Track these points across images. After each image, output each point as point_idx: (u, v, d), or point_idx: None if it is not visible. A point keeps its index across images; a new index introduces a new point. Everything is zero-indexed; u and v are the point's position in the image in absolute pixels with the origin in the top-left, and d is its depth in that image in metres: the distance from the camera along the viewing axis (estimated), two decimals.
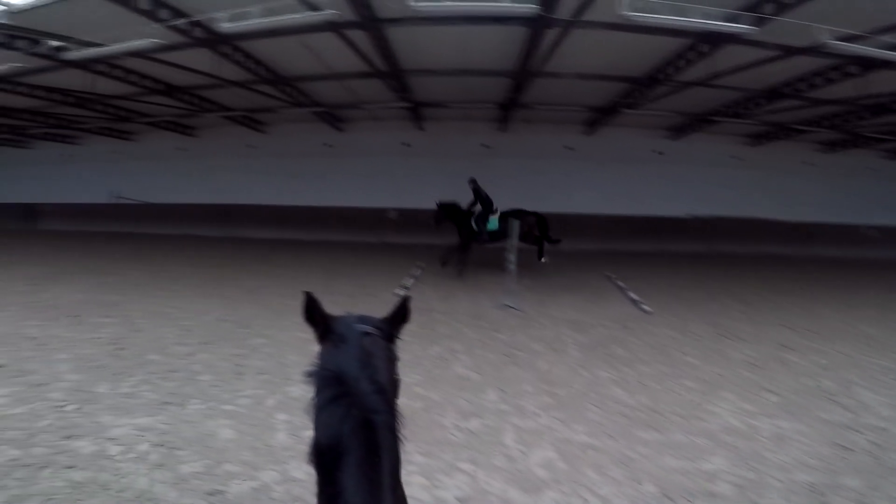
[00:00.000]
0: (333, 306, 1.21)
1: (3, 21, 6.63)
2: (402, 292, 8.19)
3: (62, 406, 3.93)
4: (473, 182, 9.55)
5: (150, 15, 6.74)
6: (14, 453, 3.14)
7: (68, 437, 3.38)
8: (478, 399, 4.31)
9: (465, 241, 9.57)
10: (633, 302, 8.04)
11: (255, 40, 7.99)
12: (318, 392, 0.96)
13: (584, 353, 5.60)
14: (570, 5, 7.03)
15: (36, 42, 7.39)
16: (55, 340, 5.59)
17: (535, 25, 7.60)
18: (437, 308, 7.45)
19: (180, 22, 6.91)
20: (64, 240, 14.32)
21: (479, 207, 9.48)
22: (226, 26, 6.39)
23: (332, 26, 7.37)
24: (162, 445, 3.34)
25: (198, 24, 7.09)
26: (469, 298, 8.15)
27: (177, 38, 7.53)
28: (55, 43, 7.43)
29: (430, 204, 9.75)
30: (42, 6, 6.53)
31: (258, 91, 10.41)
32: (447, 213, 9.66)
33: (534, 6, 6.81)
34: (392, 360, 1.13)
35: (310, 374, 1.00)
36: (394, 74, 9.69)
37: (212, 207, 15.23)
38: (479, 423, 3.84)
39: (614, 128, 13.24)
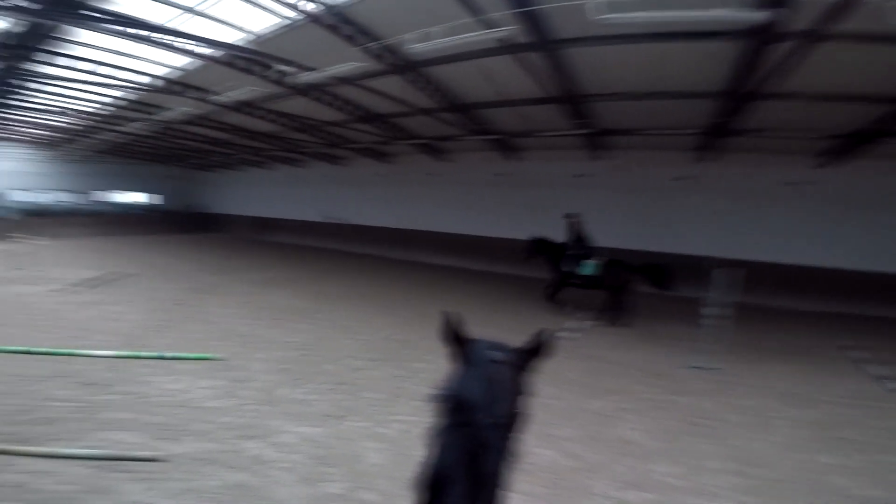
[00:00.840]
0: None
1: (249, 47, 8.10)
2: (567, 334, 7.45)
3: (245, 405, 4.41)
4: (571, 217, 8.70)
5: (352, 40, 7.59)
6: (191, 447, 3.55)
7: (240, 437, 3.71)
8: (643, 468, 3.60)
9: (556, 280, 8.76)
10: (876, 378, 6.03)
11: (438, 66, 8.42)
12: (438, 416, 1.01)
13: (800, 431, 4.35)
14: (814, 11, 5.52)
15: (268, 67, 9.01)
16: (258, 340, 6.58)
17: (761, 39, 6.22)
18: (606, 357, 6.51)
19: (374, 45, 7.61)
20: (285, 251, 17.70)
21: (574, 247, 8.56)
22: (415, 48, 6.82)
23: (509, 48, 7.31)
24: (314, 459, 3.41)
25: (389, 49, 7.78)
26: (648, 351, 6.93)
27: (373, 64, 8.29)
28: (283, 67, 8.70)
29: (610, 240, 8.76)
30: (278, 34, 7.76)
31: (439, 118, 11.07)
32: (538, 248, 9.03)
33: (762, 14, 5.48)
34: (518, 392, 1.08)
35: (434, 396, 1.04)
36: (572, 99, 9.16)
37: (398, 232, 16.88)
38: (638, 497, 3.19)
39: (865, 160, 10.09)
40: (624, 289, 7.99)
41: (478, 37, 6.47)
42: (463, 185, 15.26)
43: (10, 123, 15.68)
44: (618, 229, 9.75)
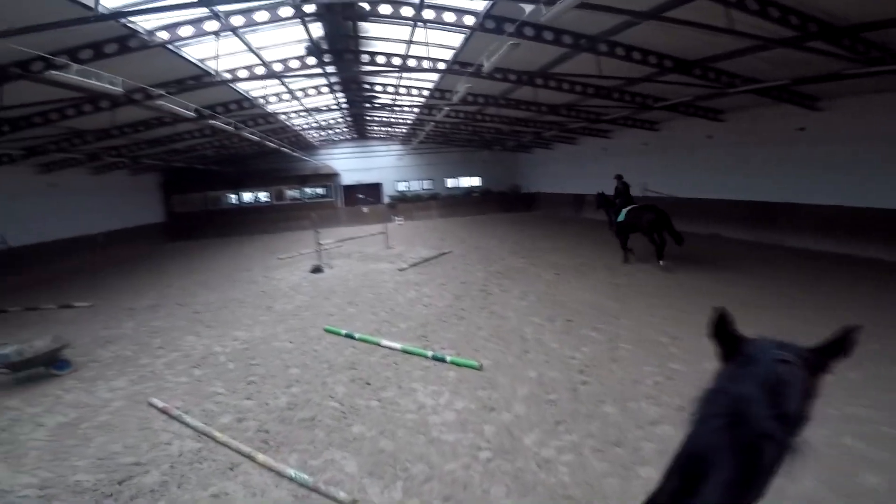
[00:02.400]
0: None
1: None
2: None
3: (480, 450, 3.51)
4: (618, 177, 11.08)
5: None
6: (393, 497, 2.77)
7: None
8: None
9: (611, 227, 11.09)
10: None
11: None
12: (703, 406, 0.97)
13: None
14: None
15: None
16: (537, 350, 5.74)
17: None
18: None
19: None
20: (593, 230, 16.35)
21: (619, 201, 10.60)
22: None
23: None
24: None
25: None
26: None
27: None
28: None
29: None
30: None
31: (807, 49, 6.78)
32: (600, 202, 11.79)
33: None
34: (810, 395, 0.98)
35: (701, 395, 0.99)
36: None
37: (746, 205, 12.72)
38: None
39: None
40: (648, 229, 9.67)
41: None
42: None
43: (387, 126, 20.64)
44: None
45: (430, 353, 5.65)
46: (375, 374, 5.32)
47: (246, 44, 8.21)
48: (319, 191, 24.39)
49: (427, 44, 9.25)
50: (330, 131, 22.12)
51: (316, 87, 12.61)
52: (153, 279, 12.25)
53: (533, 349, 5.70)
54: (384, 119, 19.57)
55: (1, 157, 11.74)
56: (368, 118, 20.04)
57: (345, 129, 22.45)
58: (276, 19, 6.79)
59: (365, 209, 23.72)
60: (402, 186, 26.24)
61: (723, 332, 1.06)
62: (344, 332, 6.71)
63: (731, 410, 0.91)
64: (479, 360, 5.42)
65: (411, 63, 9.69)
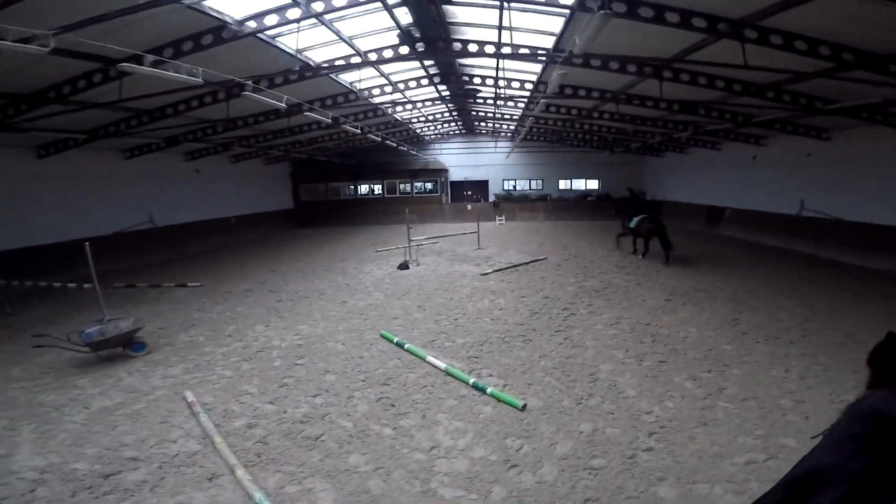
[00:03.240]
0: None
1: None
2: None
3: None
4: (630, 190, 14.01)
5: None
6: None
7: None
8: None
9: (624, 230, 13.03)
10: None
11: None
12: (845, 426, 0.99)
13: None
14: None
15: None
16: (606, 394, 4.64)
17: None
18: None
19: None
20: (725, 248, 13.64)
21: (633, 208, 12.58)
22: None
23: None
24: None
25: None
26: None
27: None
28: None
29: None
30: None
31: None
32: (617, 209, 14.67)
33: None
34: None
35: (845, 414, 1.02)
36: None
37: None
38: None
39: None
40: (650, 235, 11.79)
41: None
42: None
43: (493, 121, 19.91)
44: None
45: (471, 380, 4.90)
46: (406, 394, 4.77)
47: (335, 32, 8.26)
48: (428, 185, 24.76)
49: (521, 29, 8.38)
50: (439, 126, 22.25)
51: (416, 79, 12.53)
52: (264, 264, 13.34)
53: (600, 393, 4.59)
54: (490, 114, 18.93)
55: (150, 145, 13.97)
56: (474, 113, 19.62)
57: (452, 125, 22.34)
58: (354, 3, 6.66)
59: (468, 206, 23.42)
60: (509, 185, 25.36)
61: (886, 359, 1.04)
62: (396, 339, 6.30)
63: (873, 428, 0.92)
64: (526, 398, 4.52)
65: (506, 50, 8.85)
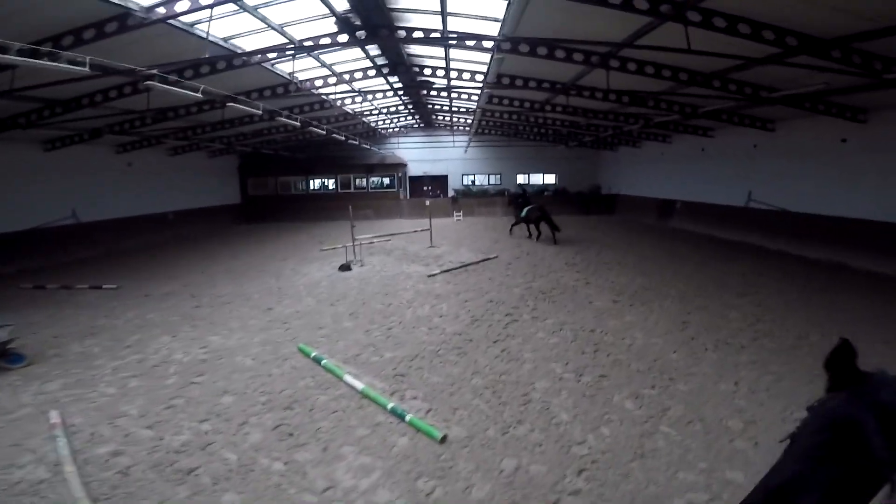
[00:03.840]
0: None
1: None
2: None
3: None
4: (520, 187, 18.49)
5: None
6: None
7: None
8: None
9: (517, 220, 15.20)
10: None
11: None
12: (810, 433, 0.99)
13: None
14: None
15: None
16: (538, 420, 4.10)
17: None
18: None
19: None
20: (677, 242, 13.63)
21: (521, 201, 15.17)
22: None
23: None
24: None
25: None
26: None
27: None
28: None
29: None
30: None
31: None
32: (511, 200, 16.48)
33: None
34: None
35: (809, 418, 1.03)
36: None
37: (888, 228, 9.51)
38: None
39: None
40: (538, 222, 14.15)
41: None
42: None
43: (449, 114, 19.30)
44: None
45: (390, 405, 4.26)
46: (311, 421, 4.09)
47: (261, 19, 7.44)
48: (385, 181, 23.84)
49: (465, 15, 7.77)
50: (397, 120, 21.43)
51: (363, 70, 11.68)
52: (195, 263, 12.25)
53: (531, 419, 4.05)
54: (445, 107, 18.28)
55: (72, 137, 12.53)
56: (430, 106, 18.91)
57: (410, 118, 21.53)
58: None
59: (427, 202, 22.75)
60: (469, 180, 24.84)
61: (840, 362, 1.06)
62: (314, 354, 5.58)
63: (837, 434, 0.94)
64: (449, 426, 3.93)
65: (451, 38, 8.21)
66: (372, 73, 11.68)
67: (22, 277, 10.41)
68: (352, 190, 23.37)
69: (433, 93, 14.96)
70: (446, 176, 24.48)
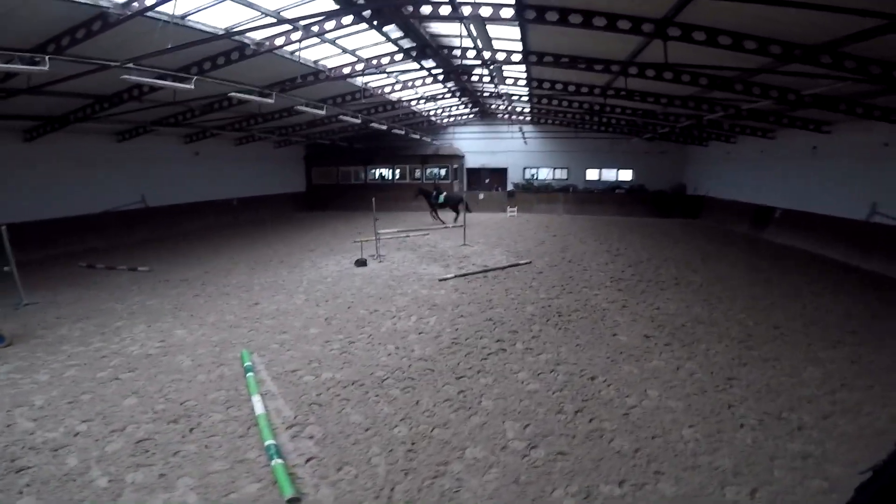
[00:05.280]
0: None
1: None
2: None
3: None
4: (434, 184, 18.37)
5: None
6: None
7: None
8: None
9: (432, 207, 16.97)
10: None
11: None
12: None
13: None
14: None
15: None
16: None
17: None
18: None
19: None
20: (769, 260, 11.03)
21: (436, 193, 16.84)
22: None
23: None
24: None
25: None
26: None
27: None
28: None
29: None
30: None
31: None
32: (421, 191, 17.35)
33: None
34: None
35: None
36: None
37: None
38: None
39: None
40: (456, 206, 16.24)
41: None
42: None
43: (507, 103, 17.84)
44: None
45: (268, 441, 3.43)
46: (180, 441, 3.63)
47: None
48: (442, 172, 22.99)
49: None
50: (447, 110, 20.47)
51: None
52: (232, 249, 12.41)
53: None
54: (493, 93, 16.86)
55: (137, 129, 13.40)
56: (478, 93, 17.63)
57: (463, 108, 20.29)
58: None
59: (481, 195, 21.56)
60: (532, 173, 23.04)
61: None
62: (247, 363, 4.93)
63: None
64: (317, 488, 3.05)
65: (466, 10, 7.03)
66: (399, 57, 10.67)
67: (86, 256, 11.22)
68: (407, 181, 22.93)
69: (474, 77, 13.67)
70: (506, 169, 22.95)
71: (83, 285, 8.60)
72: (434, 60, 11.28)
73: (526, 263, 10.33)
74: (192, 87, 8.00)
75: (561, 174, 22.70)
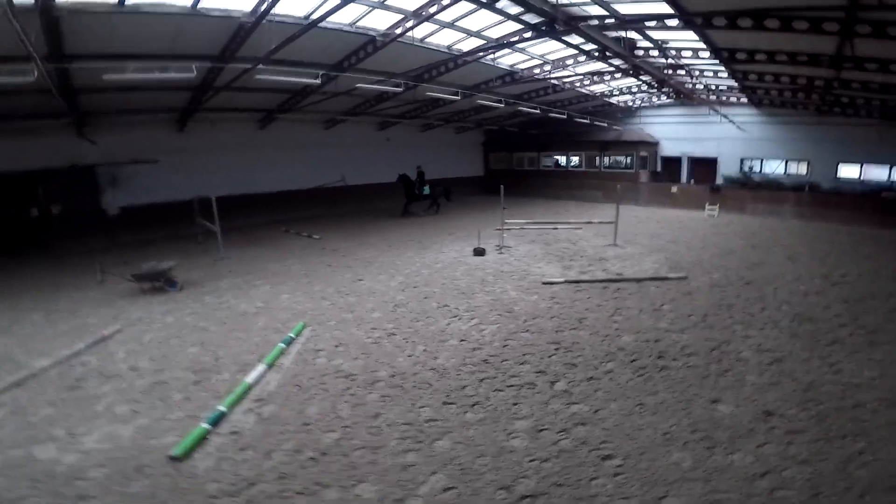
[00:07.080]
0: None
1: None
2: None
3: None
4: (419, 167, 16.48)
5: None
6: None
7: None
8: None
9: (410, 198, 16.18)
10: None
11: None
12: None
13: None
14: None
15: None
16: None
17: None
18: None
19: None
20: None
21: (419, 182, 16.16)
22: None
23: None
24: None
25: None
26: None
27: None
28: None
29: None
30: None
31: None
32: (402, 180, 15.88)
33: None
34: None
35: None
36: None
37: None
38: None
39: None
40: (437, 198, 16.59)
41: None
42: None
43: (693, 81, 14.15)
44: None
45: (221, 409, 3.71)
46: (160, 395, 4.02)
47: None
48: (628, 160, 19.97)
49: None
50: (638, 96, 17.51)
51: (573, 57, 11.30)
52: (399, 228, 13.68)
53: None
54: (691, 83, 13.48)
55: (334, 119, 16.05)
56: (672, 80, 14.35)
57: (653, 90, 16.78)
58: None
59: (674, 188, 17.92)
60: (749, 166, 17.84)
61: None
62: (290, 335, 5.44)
63: None
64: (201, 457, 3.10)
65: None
66: (582, 58, 11.10)
67: (295, 224, 14.18)
68: (583, 168, 20.87)
69: (668, 70, 11.40)
70: (715, 159, 18.40)
71: (270, 246, 10.88)
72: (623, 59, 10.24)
73: (678, 278, 8.16)
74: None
75: (797, 168, 16.93)
